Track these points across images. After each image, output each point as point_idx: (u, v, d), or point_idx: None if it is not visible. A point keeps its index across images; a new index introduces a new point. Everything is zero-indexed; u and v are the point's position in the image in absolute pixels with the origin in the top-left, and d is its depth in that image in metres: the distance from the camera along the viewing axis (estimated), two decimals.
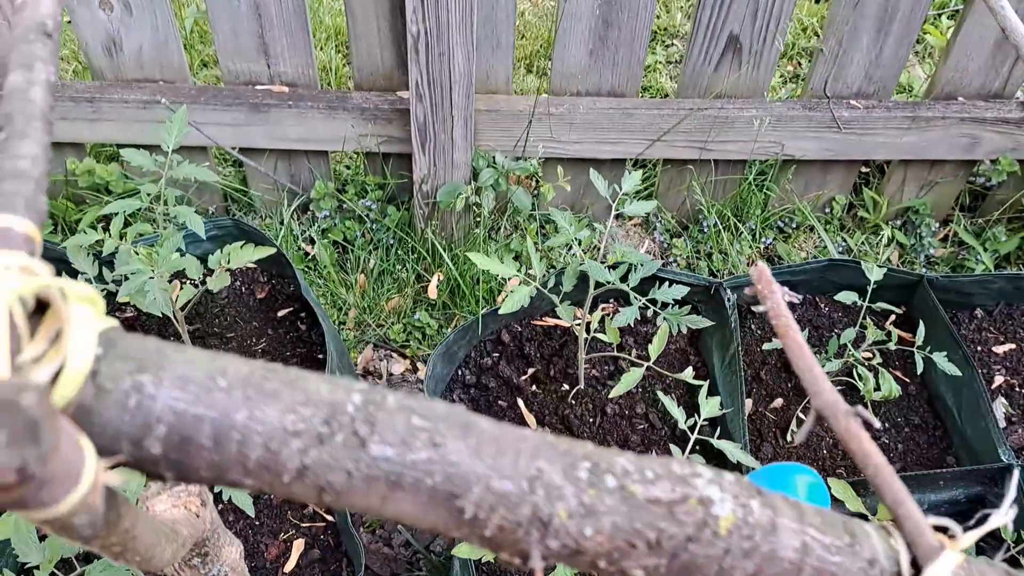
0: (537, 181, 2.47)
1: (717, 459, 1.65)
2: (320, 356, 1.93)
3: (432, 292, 2.25)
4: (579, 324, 1.69)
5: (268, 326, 2.02)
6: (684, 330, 1.53)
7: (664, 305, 1.59)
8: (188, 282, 1.87)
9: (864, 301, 1.78)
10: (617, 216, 2.64)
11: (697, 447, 1.69)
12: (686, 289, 1.56)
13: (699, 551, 0.42)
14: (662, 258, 2.53)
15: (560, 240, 1.56)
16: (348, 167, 2.57)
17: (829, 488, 1.42)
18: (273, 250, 1.72)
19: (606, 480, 0.41)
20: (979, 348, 2.03)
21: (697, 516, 0.42)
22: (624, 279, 1.58)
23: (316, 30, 3.09)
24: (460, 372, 1.89)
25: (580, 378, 1.83)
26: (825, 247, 2.53)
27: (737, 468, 1.52)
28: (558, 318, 1.99)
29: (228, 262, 1.59)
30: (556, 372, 1.89)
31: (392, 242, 2.35)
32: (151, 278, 1.43)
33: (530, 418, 1.80)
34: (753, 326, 2.04)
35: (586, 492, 0.41)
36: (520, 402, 1.82)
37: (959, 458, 1.82)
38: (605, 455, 0.43)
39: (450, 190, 2.18)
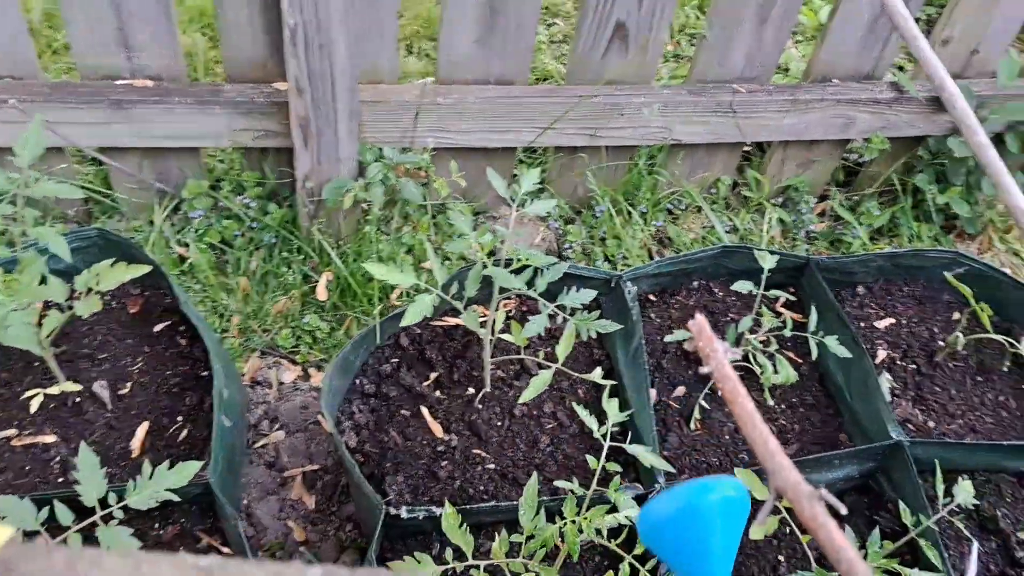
0: (428, 172, 2.39)
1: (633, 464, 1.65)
2: (204, 373, 1.80)
3: (321, 293, 2.14)
4: (484, 328, 1.64)
5: (144, 343, 1.86)
6: (594, 335, 1.51)
7: (573, 310, 1.56)
8: (53, 306, 1.69)
9: (759, 289, 1.81)
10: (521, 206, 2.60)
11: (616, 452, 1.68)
12: (594, 293, 1.54)
13: None
14: (557, 245, 2.51)
15: (460, 246, 1.50)
16: (223, 162, 2.41)
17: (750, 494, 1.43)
18: (148, 268, 1.58)
19: None
20: (862, 324, 2.11)
21: None
22: (531, 284, 1.54)
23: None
24: (358, 382, 1.81)
25: (486, 381, 1.78)
26: (713, 227, 2.58)
27: (650, 472, 1.52)
28: (459, 316, 1.93)
29: (98, 284, 1.44)
30: (460, 376, 1.83)
31: (275, 241, 2.22)
32: (14, 310, 1.27)
33: (435, 426, 1.74)
34: (653, 315, 2.05)
35: None
36: (424, 410, 1.76)
37: (851, 435, 1.89)
38: None
39: (337, 187, 2.07)
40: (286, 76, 1.92)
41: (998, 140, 2.57)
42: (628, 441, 1.72)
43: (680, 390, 1.92)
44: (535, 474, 1.35)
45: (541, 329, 1.50)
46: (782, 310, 2.12)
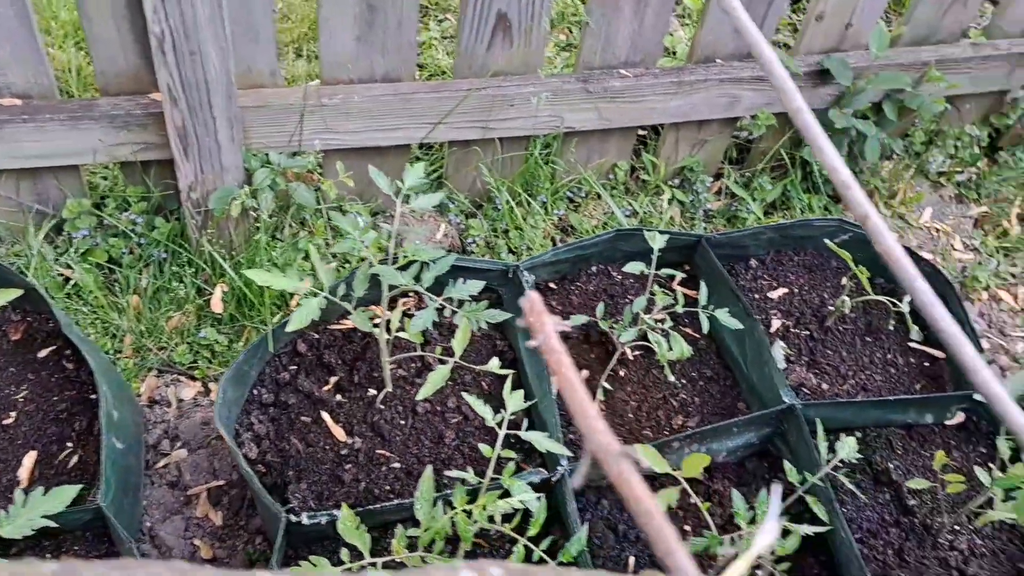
0: (321, 175, 2.36)
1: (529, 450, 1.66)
2: (93, 396, 1.74)
3: (217, 305, 2.09)
4: (379, 327, 1.62)
5: (28, 369, 1.79)
6: (484, 325, 1.51)
7: (462, 302, 1.56)
8: None
9: (651, 269, 1.85)
10: (407, 199, 2.58)
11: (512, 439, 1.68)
12: (481, 284, 1.54)
13: None
14: (460, 240, 2.51)
15: (346, 246, 1.48)
16: (106, 179, 2.33)
17: None
18: (20, 291, 1.52)
19: None
20: (756, 296, 2.17)
21: None
22: (418, 278, 1.54)
23: (50, 27, 2.76)
24: (256, 392, 1.77)
25: (387, 381, 1.77)
26: (614, 213, 2.61)
27: (526, 448, 1.54)
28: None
29: None
30: (361, 378, 1.82)
31: (165, 256, 2.16)
32: None
33: (337, 431, 1.72)
34: (553, 302, 2.07)
35: None
36: (325, 415, 1.74)
37: (749, 403, 1.94)
38: None
39: (222, 196, 2.02)
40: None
41: (877, 109, 2.67)
42: (532, 429, 1.74)
43: (584, 374, 1.94)
44: (429, 467, 1.35)
45: (429, 323, 1.49)
46: (679, 288, 2.16)
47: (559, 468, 1.60)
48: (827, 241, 2.00)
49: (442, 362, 1.60)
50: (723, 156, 2.79)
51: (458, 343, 1.59)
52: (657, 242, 1.85)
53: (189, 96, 1.86)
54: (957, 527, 1.81)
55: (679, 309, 1.82)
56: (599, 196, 2.66)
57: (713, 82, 2.43)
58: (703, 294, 1.84)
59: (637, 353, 1.99)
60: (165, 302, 2.13)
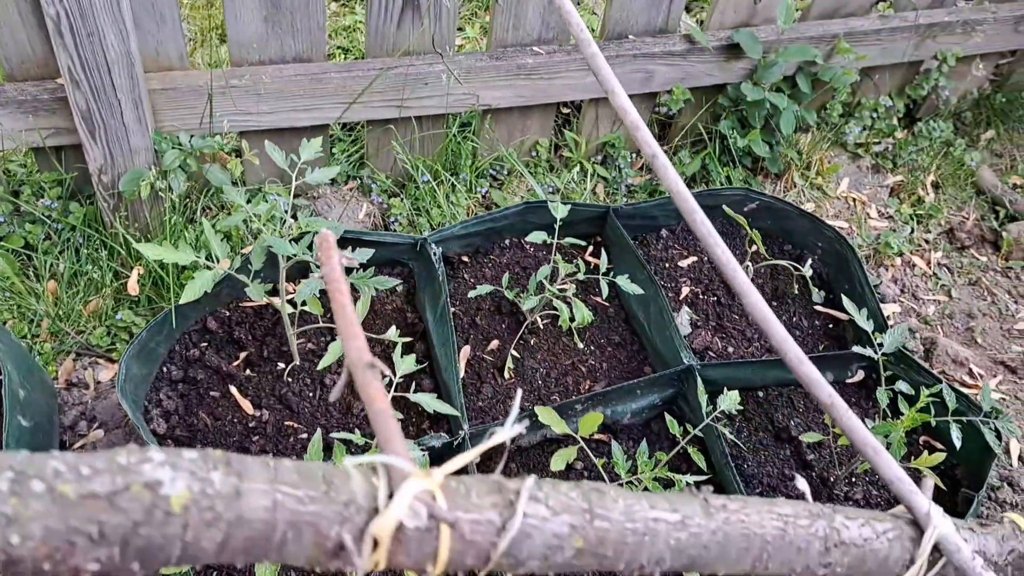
0: (240, 155, 2.38)
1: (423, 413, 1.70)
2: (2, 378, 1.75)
3: (133, 288, 2.11)
4: (279, 300, 1.65)
5: None
6: (398, 290, 1.55)
7: (349, 270, 1.59)
8: None
9: (554, 238, 1.89)
10: (332, 180, 2.61)
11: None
12: (371, 252, 1.57)
13: (153, 532, 0.42)
14: (383, 219, 2.54)
15: (235, 220, 1.51)
16: (24, 166, 2.33)
17: None
18: None
19: (32, 486, 0.40)
20: (667, 265, 2.23)
21: (144, 501, 0.42)
22: (312, 248, 1.57)
23: None
24: (165, 369, 1.79)
25: (294, 354, 1.80)
26: (536, 190, 2.65)
27: (436, 418, 1.58)
28: (273, 296, 1.94)
29: None
30: (270, 352, 1.84)
31: (81, 241, 2.17)
32: None
33: (245, 403, 1.75)
34: (466, 275, 2.11)
35: (7, 502, 0.39)
36: (233, 389, 1.77)
37: (654, 366, 2.00)
38: (36, 461, 0.41)
39: (132, 178, 2.03)
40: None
41: (792, 82, 2.74)
42: (440, 396, 1.78)
43: (494, 344, 1.99)
44: (318, 432, 1.39)
45: (315, 290, 1.52)
46: (590, 259, 2.21)
47: (461, 431, 1.64)
48: (725, 207, 2.05)
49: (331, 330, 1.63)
50: None
51: (358, 311, 1.62)
52: (560, 212, 1.89)
53: (91, 78, 1.87)
54: (854, 478, 1.88)
55: (581, 277, 1.87)
56: (522, 174, 2.70)
57: (626, 58, 2.48)
58: (603, 261, 1.89)
59: (547, 322, 2.03)
60: (82, 286, 2.13)
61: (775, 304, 2.19)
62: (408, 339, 1.62)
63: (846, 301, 1.69)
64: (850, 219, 2.82)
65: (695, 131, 2.82)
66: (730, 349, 2.06)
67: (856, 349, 1.70)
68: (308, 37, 2.17)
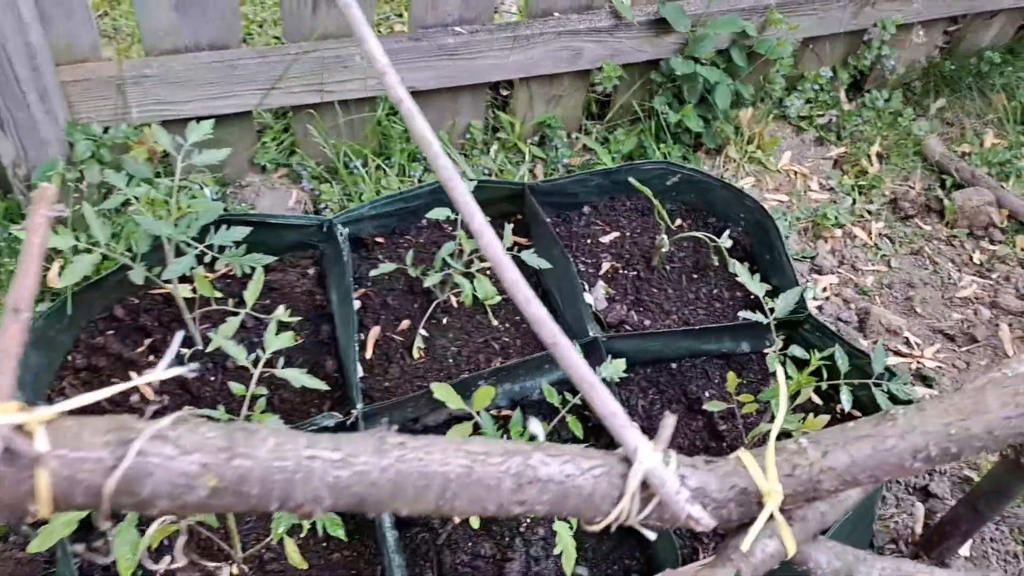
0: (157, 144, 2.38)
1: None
2: None
3: (53, 280, 2.12)
4: (172, 285, 1.66)
5: None
6: (310, 273, 1.54)
7: (223, 248, 1.59)
8: None
9: (458, 214, 1.88)
10: (263, 168, 2.60)
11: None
12: (247, 230, 1.57)
13: None
14: (314, 206, 2.53)
15: (115, 201, 1.51)
16: None
17: None
18: None
19: None
20: (588, 240, 2.22)
21: None
22: (202, 236, 1.57)
23: None
24: (70, 358, 1.80)
25: (196, 338, 1.80)
26: (474, 171, 2.64)
27: (305, 391, 1.58)
28: (187, 283, 1.94)
29: None
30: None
31: (5, 236, 2.18)
32: None
33: (146, 389, 1.75)
34: (380, 256, 2.10)
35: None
36: (134, 375, 1.77)
37: None
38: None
39: (43, 170, 2.04)
40: None
41: (727, 56, 2.71)
42: (340, 372, 1.78)
43: (405, 323, 1.98)
44: (185, 409, 1.39)
45: (186, 268, 1.52)
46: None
47: (354, 411, 1.64)
48: (631, 179, 2.04)
49: (234, 314, 1.63)
50: (583, 111, 2.82)
51: (249, 294, 1.62)
52: (469, 188, 1.88)
53: None
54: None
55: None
56: (462, 156, 2.69)
57: (551, 35, 2.46)
58: (507, 235, 1.88)
59: (461, 301, 2.03)
60: (4, 279, 2.15)
61: (696, 276, 2.18)
62: (297, 319, 1.61)
63: (738, 267, 1.67)
64: (790, 192, 2.80)
65: (632, 109, 2.80)
66: (647, 322, 2.05)
67: (743, 315, 1.69)
68: (221, 23, 2.16)
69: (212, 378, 1.79)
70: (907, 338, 2.42)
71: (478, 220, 0.80)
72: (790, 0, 2.68)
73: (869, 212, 2.80)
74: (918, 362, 2.35)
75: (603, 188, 2.27)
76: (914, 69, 3.20)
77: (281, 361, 1.40)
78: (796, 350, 1.70)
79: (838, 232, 2.71)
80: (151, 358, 1.82)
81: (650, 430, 1.87)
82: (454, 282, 1.93)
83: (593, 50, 2.55)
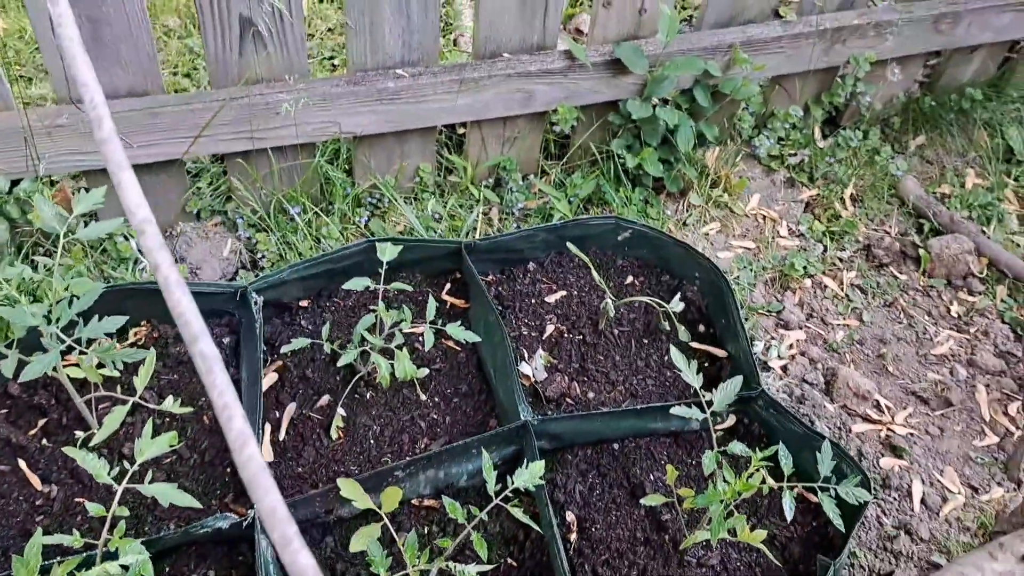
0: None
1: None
2: None
3: None
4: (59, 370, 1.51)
5: None
6: (225, 342, 1.40)
7: (91, 342, 1.44)
8: None
9: (380, 284, 1.74)
10: (197, 216, 2.46)
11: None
12: (120, 320, 1.43)
13: None
14: (249, 255, 2.39)
15: None
16: None
17: None
18: None
19: None
20: (532, 300, 2.07)
21: None
22: (69, 326, 1.42)
23: None
24: None
25: (91, 422, 1.66)
26: (423, 215, 2.50)
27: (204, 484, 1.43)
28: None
29: None
30: (70, 420, 1.70)
31: None
32: None
33: (34, 478, 1.61)
34: (303, 322, 1.96)
35: None
36: (22, 463, 1.62)
37: (500, 419, 1.84)
38: None
39: None
40: None
41: (689, 96, 2.57)
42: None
43: (324, 399, 1.84)
44: (39, 531, 1.24)
45: (49, 367, 1.38)
46: (447, 297, 2.06)
47: (249, 513, 1.50)
48: (569, 244, 1.89)
49: (119, 401, 1.49)
50: (540, 151, 2.68)
51: (140, 380, 1.48)
52: (387, 255, 1.74)
53: None
54: (714, 543, 1.71)
55: (406, 328, 1.72)
56: (407, 201, 2.55)
57: (500, 77, 2.32)
58: (430, 309, 1.74)
59: (389, 374, 1.88)
60: None
61: (646, 341, 2.03)
62: (187, 409, 1.47)
63: (673, 351, 1.53)
64: (758, 239, 2.65)
65: (590, 152, 2.65)
66: (591, 395, 1.90)
67: (676, 411, 1.54)
68: (139, 68, 2.03)
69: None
70: (877, 401, 2.27)
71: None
72: (756, 38, 2.54)
73: (841, 260, 2.65)
74: (888, 429, 2.21)
75: (549, 243, 2.13)
76: (892, 105, 3.06)
77: (149, 475, 1.25)
78: (737, 446, 1.54)
79: (807, 282, 2.56)
80: (43, 442, 1.67)
81: (588, 519, 1.72)
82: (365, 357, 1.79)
83: (546, 92, 2.41)
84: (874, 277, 2.62)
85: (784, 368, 2.31)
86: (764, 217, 2.72)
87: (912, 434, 2.21)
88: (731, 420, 1.90)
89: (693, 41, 2.49)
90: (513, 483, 1.39)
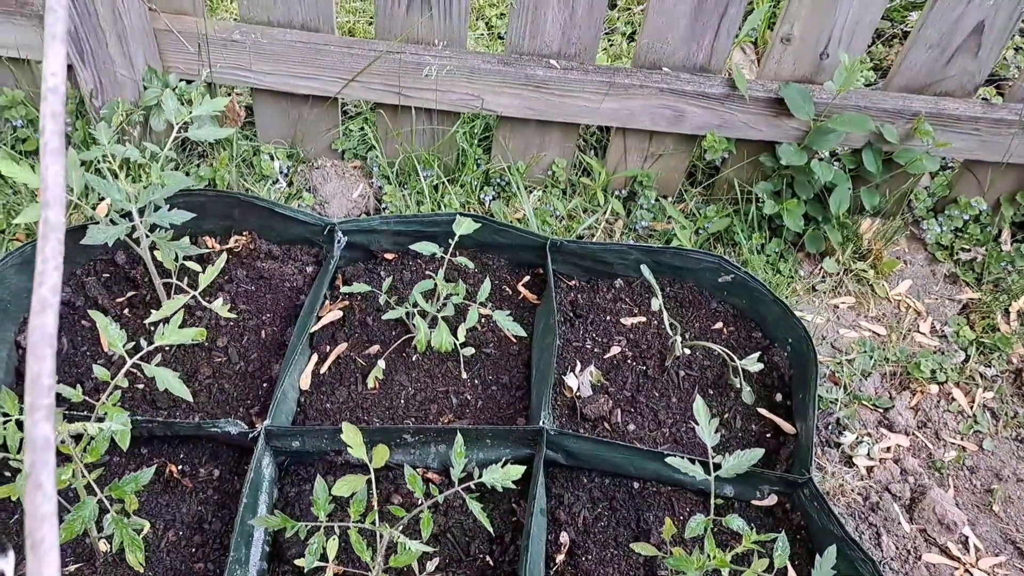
0: (251, 110, 2.44)
1: None
2: None
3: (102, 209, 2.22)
4: (141, 247, 1.66)
5: None
6: (307, 271, 1.50)
7: (155, 227, 1.56)
8: None
9: (445, 254, 1.76)
10: (341, 155, 2.59)
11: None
12: (187, 215, 1.53)
13: None
14: (376, 200, 2.49)
15: (94, 153, 1.53)
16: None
17: None
18: None
19: None
20: (608, 317, 2.01)
21: None
22: (144, 211, 1.55)
23: None
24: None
25: (164, 302, 1.80)
26: (541, 209, 2.49)
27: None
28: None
29: None
30: (154, 299, 1.86)
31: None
32: None
33: (104, 340, 1.78)
34: (382, 272, 2.02)
35: None
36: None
37: (529, 420, 1.80)
38: None
39: (113, 106, 2.13)
40: None
41: (857, 157, 2.38)
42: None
43: (374, 348, 1.88)
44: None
45: (112, 238, 1.51)
46: (522, 288, 2.04)
47: (257, 426, 1.57)
48: (643, 267, 1.81)
49: (186, 292, 1.61)
50: (683, 176, 2.58)
51: (203, 278, 1.60)
52: (462, 228, 1.76)
53: (76, 4, 1.98)
54: None
55: (456, 300, 1.72)
56: (531, 190, 2.55)
57: (652, 90, 2.26)
58: (484, 290, 1.73)
59: (426, 340, 1.90)
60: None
61: (712, 392, 1.90)
62: (232, 315, 1.56)
63: (698, 401, 1.41)
64: (892, 327, 2.40)
65: (733, 187, 2.52)
66: (631, 427, 1.82)
67: (672, 461, 1.41)
68: (315, 7, 2.17)
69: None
70: (966, 537, 2.00)
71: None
72: (947, 112, 2.29)
73: (982, 376, 2.35)
74: (967, 571, 1.94)
75: (641, 264, 2.04)
76: None
77: (158, 358, 1.35)
78: (735, 521, 1.41)
79: (933, 388, 2.29)
80: (126, 312, 1.85)
81: (582, 547, 1.65)
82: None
83: (698, 115, 2.31)
84: (1014, 405, 2.30)
85: (869, 470, 2.08)
86: (908, 307, 2.46)
87: None
88: (772, 499, 1.74)
89: (874, 99, 2.29)
90: (480, 476, 1.36)
